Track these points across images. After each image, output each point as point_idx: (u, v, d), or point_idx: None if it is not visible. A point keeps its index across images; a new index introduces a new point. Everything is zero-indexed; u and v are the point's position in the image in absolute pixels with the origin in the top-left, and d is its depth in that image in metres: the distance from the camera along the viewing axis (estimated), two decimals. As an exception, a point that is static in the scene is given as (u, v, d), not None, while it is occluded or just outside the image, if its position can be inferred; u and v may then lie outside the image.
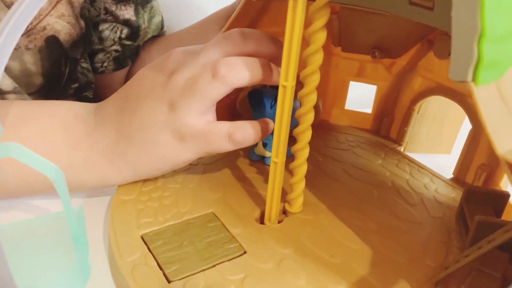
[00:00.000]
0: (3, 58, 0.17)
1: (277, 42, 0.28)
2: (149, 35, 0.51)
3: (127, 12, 0.47)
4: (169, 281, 0.23)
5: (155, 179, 0.31)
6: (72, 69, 0.43)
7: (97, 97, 0.54)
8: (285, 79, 0.24)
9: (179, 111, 0.27)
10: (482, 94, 0.16)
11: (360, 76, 0.38)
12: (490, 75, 0.16)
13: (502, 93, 0.17)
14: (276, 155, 0.26)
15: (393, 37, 0.34)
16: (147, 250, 0.25)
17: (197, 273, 0.24)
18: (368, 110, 0.41)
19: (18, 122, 0.29)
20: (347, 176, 0.33)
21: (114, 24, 0.47)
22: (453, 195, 0.32)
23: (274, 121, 0.32)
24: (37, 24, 0.38)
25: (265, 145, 0.33)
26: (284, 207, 0.29)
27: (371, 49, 0.36)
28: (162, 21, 0.52)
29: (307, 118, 0.26)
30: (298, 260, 0.25)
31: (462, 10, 0.16)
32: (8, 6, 0.35)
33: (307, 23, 0.23)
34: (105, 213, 0.30)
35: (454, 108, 0.35)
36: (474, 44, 0.15)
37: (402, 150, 0.38)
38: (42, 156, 0.28)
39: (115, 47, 0.49)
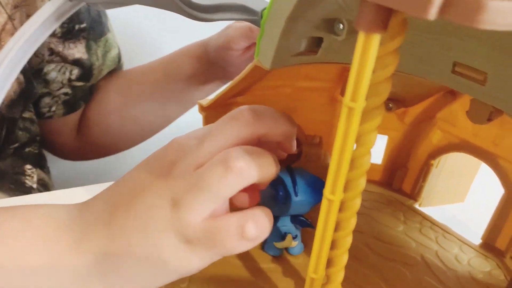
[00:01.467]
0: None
1: (291, 120, 0.25)
2: (105, 72, 0.44)
3: (77, 50, 0.40)
4: None
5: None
6: (10, 131, 0.36)
7: (45, 146, 0.46)
8: (332, 193, 0.21)
9: (182, 209, 0.22)
10: None
11: (370, 126, 0.36)
12: None
13: None
14: (314, 271, 0.23)
15: (411, 91, 0.32)
16: None
17: None
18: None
19: None
20: (372, 255, 0.31)
21: (62, 64, 0.40)
22: (488, 268, 0.31)
23: (299, 210, 0.29)
24: (-36, 84, 0.31)
25: (295, 237, 0.29)
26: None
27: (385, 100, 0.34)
28: (119, 53, 0.45)
29: (344, 243, 0.23)
30: None
31: None
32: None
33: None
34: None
35: (470, 159, 0.34)
36: None
37: (418, 205, 0.37)
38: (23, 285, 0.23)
39: (64, 90, 0.42)
